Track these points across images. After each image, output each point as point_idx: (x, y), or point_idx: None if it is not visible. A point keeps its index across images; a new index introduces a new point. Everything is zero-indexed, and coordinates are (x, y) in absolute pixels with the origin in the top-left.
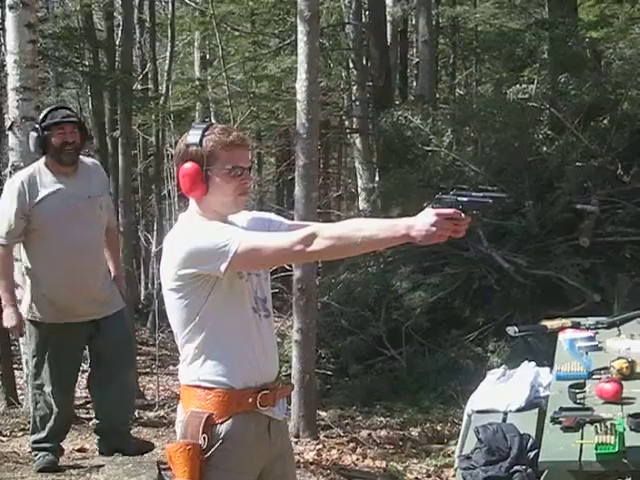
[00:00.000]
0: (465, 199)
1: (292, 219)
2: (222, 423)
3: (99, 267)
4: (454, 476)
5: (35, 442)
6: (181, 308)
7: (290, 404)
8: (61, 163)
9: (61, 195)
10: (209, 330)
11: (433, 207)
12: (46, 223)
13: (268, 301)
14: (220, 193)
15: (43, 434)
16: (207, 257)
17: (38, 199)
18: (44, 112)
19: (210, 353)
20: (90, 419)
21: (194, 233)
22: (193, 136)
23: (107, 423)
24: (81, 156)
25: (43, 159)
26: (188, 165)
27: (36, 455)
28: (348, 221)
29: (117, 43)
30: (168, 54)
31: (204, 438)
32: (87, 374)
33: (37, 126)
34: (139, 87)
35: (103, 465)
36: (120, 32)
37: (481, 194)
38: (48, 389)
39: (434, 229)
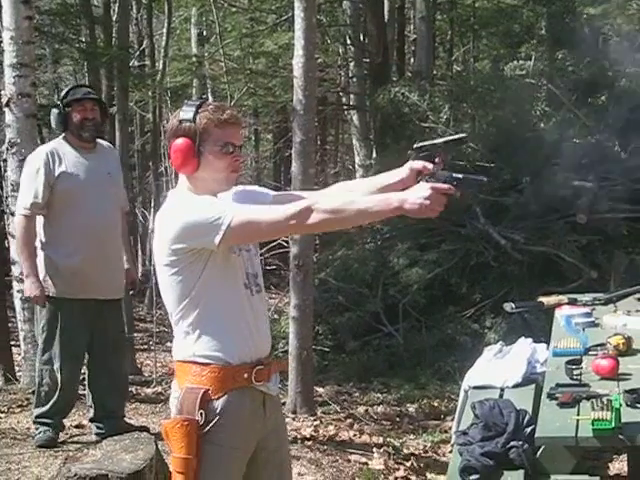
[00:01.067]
0: (460, 176)
1: None
2: (218, 399)
3: (118, 244)
4: (451, 452)
5: (38, 416)
6: (175, 284)
7: (287, 380)
8: (81, 139)
9: (82, 168)
10: (203, 306)
11: (427, 181)
12: (69, 195)
13: (259, 276)
14: (212, 170)
15: (46, 408)
16: (201, 231)
17: (61, 171)
18: (65, 90)
19: (204, 329)
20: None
21: (187, 208)
22: (186, 112)
23: (101, 409)
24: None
25: (62, 135)
26: (180, 141)
27: (37, 429)
28: (342, 190)
29: (114, 19)
30: (165, 30)
31: (201, 414)
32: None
33: (59, 103)
34: (136, 64)
35: (100, 441)
36: (117, 8)
37: (442, 140)
38: (57, 364)
39: (427, 202)
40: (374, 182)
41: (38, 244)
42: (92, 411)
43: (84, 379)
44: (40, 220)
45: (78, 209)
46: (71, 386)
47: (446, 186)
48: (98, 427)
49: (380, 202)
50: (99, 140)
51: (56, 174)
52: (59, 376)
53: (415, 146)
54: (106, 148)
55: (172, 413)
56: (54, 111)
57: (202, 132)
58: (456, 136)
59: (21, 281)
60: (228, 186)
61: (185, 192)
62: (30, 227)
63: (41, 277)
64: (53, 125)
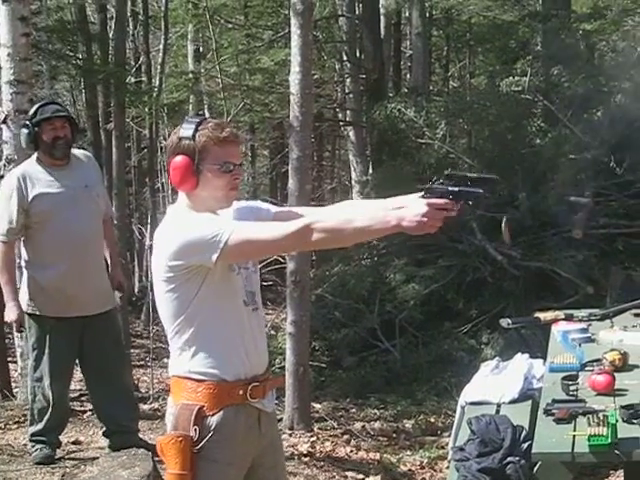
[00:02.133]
0: (456, 189)
1: None
2: (213, 415)
3: (101, 257)
4: (447, 468)
5: (33, 434)
6: (171, 300)
7: (284, 396)
8: (53, 157)
9: (58, 187)
10: (200, 322)
11: (424, 197)
12: (46, 216)
13: (257, 294)
14: (210, 187)
15: (40, 426)
16: (198, 248)
17: (35, 193)
18: (34, 108)
19: (201, 345)
20: (85, 412)
21: (185, 225)
22: (186, 130)
23: (112, 424)
24: (72, 149)
25: (35, 155)
26: (179, 158)
27: (34, 447)
28: (341, 210)
29: (110, 36)
30: (161, 47)
31: (195, 430)
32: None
33: (28, 122)
34: (132, 80)
35: (98, 457)
36: (113, 25)
37: (475, 175)
38: (47, 382)
39: (425, 219)
40: (384, 205)
41: (23, 264)
42: (104, 428)
43: (80, 395)
44: (22, 241)
45: (55, 229)
46: (62, 402)
47: (443, 201)
48: (110, 442)
49: (378, 221)
50: (74, 151)
51: (30, 198)
52: (50, 393)
53: (446, 172)
54: (81, 159)
55: (167, 429)
56: (24, 131)
57: (201, 150)
58: (488, 176)
59: None
60: (227, 204)
61: (184, 209)
62: (8, 252)
63: (27, 297)
64: (24, 145)
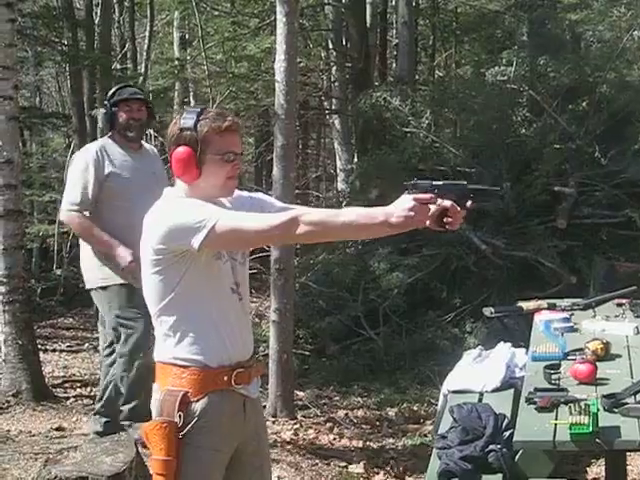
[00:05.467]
0: (440, 182)
1: None
2: (198, 401)
3: None
4: (430, 455)
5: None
6: (157, 282)
7: (267, 384)
8: (127, 138)
9: (130, 167)
10: (184, 308)
11: (409, 193)
12: (114, 193)
13: (242, 286)
14: (212, 177)
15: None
16: (183, 233)
17: (110, 170)
18: (112, 89)
19: (184, 331)
20: (68, 398)
21: (175, 210)
22: (187, 120)
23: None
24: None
25: (109, 134)
26: (181, 149)
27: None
28: (330, 210)
29: (96, 22)
30: (147, 34)
31: (180, 416)
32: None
33: (106, 103)
34: (118, 67)
35: (81, 444)
36: (99, 11)
37: (440, 182)
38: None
39: (412, 214)
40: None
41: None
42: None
43: (63, 382)
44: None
45: (123, 207)
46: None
47: (428, 196)
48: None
49: (366, 216)
50: (144, 143)
51: (106, 172)
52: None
53: (412, 182)
54: (150, 151)
55: (153, 415)
56: (101, 111)
57: (203, 141)
58: (456, 182)
59: (1, 283)
60: (227, 193)
61: (179, 195)
62: (83, 220)
63: (96, 272)
64: (100, 125)
